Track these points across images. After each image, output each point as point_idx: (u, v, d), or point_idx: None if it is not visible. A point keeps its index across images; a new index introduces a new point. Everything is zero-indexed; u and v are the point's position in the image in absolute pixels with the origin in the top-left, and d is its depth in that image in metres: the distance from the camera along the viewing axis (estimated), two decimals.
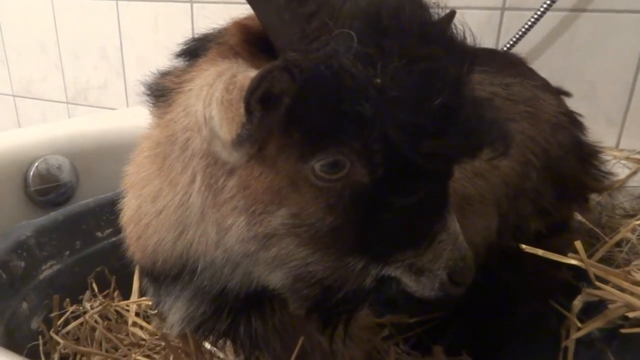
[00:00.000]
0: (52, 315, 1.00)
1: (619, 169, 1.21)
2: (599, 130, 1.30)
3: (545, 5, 1.20)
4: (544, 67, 1.31)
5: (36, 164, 1.17)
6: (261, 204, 0.51)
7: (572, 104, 1.07)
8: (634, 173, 1.17)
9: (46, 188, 1.20)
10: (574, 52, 1.27)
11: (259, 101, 0.44)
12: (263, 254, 0.54)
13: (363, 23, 0.45)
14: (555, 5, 1.21)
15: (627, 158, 1.21)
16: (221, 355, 1.01)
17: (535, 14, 1.22)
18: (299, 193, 0.50)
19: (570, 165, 0.89)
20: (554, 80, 1.09)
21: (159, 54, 1.74)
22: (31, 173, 1.16)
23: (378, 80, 0.44)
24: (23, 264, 1.01)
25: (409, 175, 0.49)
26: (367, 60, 0.44)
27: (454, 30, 0.59)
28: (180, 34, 1.90)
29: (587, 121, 1.08)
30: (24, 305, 0.99)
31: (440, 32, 0.50)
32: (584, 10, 1.24)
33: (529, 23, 1.23)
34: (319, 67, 0.43)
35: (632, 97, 1.26)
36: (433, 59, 0.46)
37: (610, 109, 1.29)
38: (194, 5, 1.64)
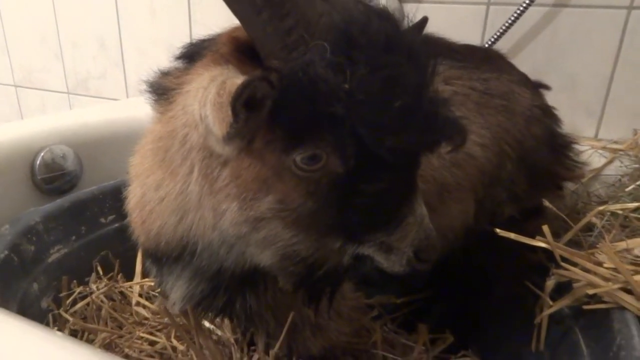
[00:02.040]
0: (61, 295, 1.07)
1: (596, 158, 1.27)
2: (578, 121, 1.36)
3: (528, 1, 1.25)
4: (527, 61, 1.37)
5: (42, 154, 1.23)
6: (251, 191, 0.58)
7: (553, 95, 1.12)
8: (610, 162, 1.24)
9: (52, 176, 1.26)
10: (556, 46, 1.32)
11: (243, 105, 0.51)
12: (254, 235, 0.60)
13: (336, 36, 0.51)
14: (537, 1, 1.26)
15: (604, 148, 1.27)
16: (219, 332, 1.08)
17: (519, 9, 1.27)
18: (283, 182, 0.57)
19: (543, 156, 0.95)
20: (537, 73, 1.15)
21: (157, 45, 1.78)
22: (37, 162, 1.22)
23: (346, 86, 0.50)
24: (33, 247, 1.08)
25: (377, 166, 0.55)
26: (338, 69, 0.50)
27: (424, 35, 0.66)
28: (177, 25, 1.94)
29: (567, 112, 1.13)
30: (35, 286, 1.06)
31: (404, 42, 0.55)
32: (565, 6, 1.29)
33: (513, 18, 1.28)
34: (297, 74, 0.50)
35: (610, 89, 1.31)
36: (395, 66, 0.52)
37: (590, 100, 1.34)
38: None
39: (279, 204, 0.58)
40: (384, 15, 0.56)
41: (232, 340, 1.06)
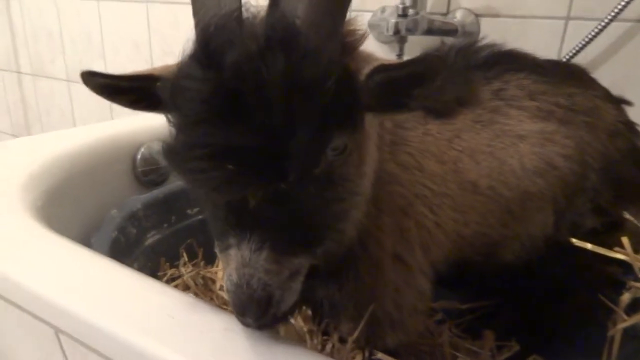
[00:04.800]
0: (159, 274, 1.19)
1: None
2: None
3: (610, 17, 1.25)
4: (606, 76, 1.35)
5: (142, 149, 1.37)
6: None
7: (634, 111, 1.12)
8: None
9: (148, 170, 1.40)
10: (638, 62, 1.31)
11: None
12: None
13: (198, 38, 0.53)
14: (619, 16, 1.25)
15: None
16: (292, 321, 1.16)
17: (600, 24, 1.27)
18: None
19: (627, 169, 0.95)
20: (617, 89, 1.14)
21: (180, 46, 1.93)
22: (138, 156, 1.36)
23: None
24: (135, 231, 1.21)
25: None
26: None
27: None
28: None
29: None
30: (135, 265, 1.19)
31: (248, 65, 0.48)
32: None
33: (593, 33, 1.28)
34: None
35: None
36: (195, 79, 0.50)
37: None
38: None
39: None
40: (273, 36, 0.49)
41: (305, 330, 1.13)
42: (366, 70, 0.54)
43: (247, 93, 0.47)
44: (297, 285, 0.59)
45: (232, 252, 0.54)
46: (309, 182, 0.53)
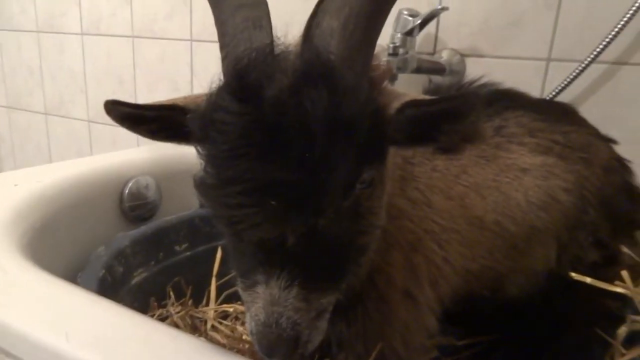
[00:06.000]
0: (148, 314, 1.13)
1: None
2: None
3: (590, 59, 1.32)
4: (585, 115, 1.42)
5: (130, 184, 1.33)
6: None
7: (616, 149, 1.16)
8: None
9: (135, 205, 1.35)
10: (617, 102, 1.38)
11: None
12: None
13: (229, 73, 0.53)
14: (598, 59, 1.32)
15: None
16: None
17: (580, 66, 1.34)
18: None
19: (622, 203, 0.98)
20: (598, 127, 1.20)
21: (164, 83, 1.94)
22: (126, 191, 1.32)
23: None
24: (122, 269, 1.15)
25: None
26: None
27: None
28: (181, 67, 2.16)
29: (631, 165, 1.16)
30: None
31: (286, 99, 0.48)
32: (625, 63, 1.36)
33: (574, 74, 1.35)
34: None
35: None
36: (230, 112, 0.49)
37: None
38: None
39: None
40: (309, 74, 0.48)
41: None
42: (395, 104, 0.54)
43: (288, 127, 0.45)
44: (323, 324, 0.57)
45: (260, 289, 0.51)
46: (340, 216, 0.52)
